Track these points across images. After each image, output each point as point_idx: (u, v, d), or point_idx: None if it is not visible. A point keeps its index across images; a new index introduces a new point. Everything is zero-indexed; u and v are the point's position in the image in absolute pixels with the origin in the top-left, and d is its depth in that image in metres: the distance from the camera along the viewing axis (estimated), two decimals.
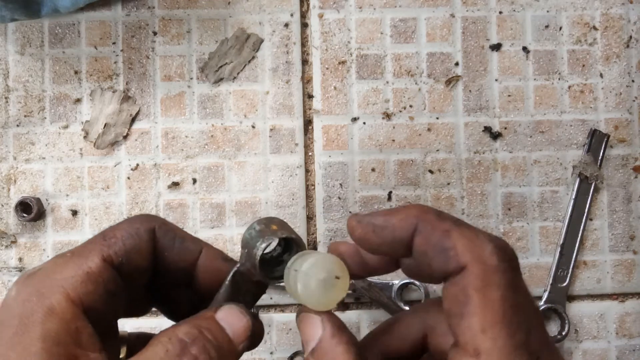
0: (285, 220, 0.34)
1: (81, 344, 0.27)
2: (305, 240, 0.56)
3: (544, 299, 0.56)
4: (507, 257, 0.25)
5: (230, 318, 0.30)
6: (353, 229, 0.30)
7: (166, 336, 0.29)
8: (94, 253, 0.30)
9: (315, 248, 0.56)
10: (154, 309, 0.37)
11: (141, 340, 0.34)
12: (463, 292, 0.24)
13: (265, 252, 0.32)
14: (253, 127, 0.56)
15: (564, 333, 0.55)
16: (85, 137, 0.56)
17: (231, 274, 0.33)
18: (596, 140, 0.57)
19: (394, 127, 0.57)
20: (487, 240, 0.25)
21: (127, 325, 0.45)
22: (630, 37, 0.58)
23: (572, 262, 0.56)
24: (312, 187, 0.57)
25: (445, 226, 0.26)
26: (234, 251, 0.55)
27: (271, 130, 0.56)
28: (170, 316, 0.36)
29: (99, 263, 0.30)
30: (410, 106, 0.57)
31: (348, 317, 0.56)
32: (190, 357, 0.28)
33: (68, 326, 0.27)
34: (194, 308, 0.33)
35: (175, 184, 0.56)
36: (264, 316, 0.55)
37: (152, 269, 0.33)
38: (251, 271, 0.32)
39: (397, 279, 0.55)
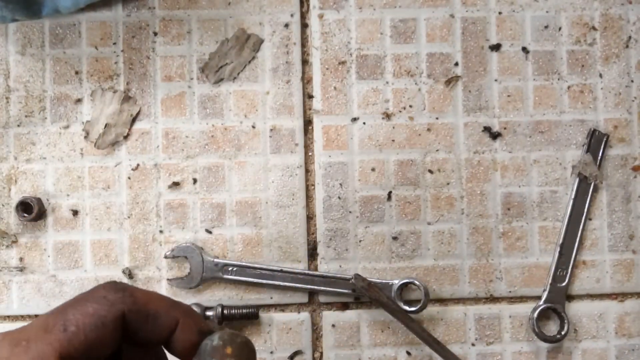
0: (250, 344, 0.32)
1: None
2: (305, 240, 0.56)
3: (543, 299, 0.56)
4: None
5: None
6: None
7: None
8: (51, 350, 0.28)
9: (315, 248, 0.56)
10: None
11: None
12: None
13: None
14: (253, 127, 0.57)
15: (563, 333, 0.55)
16: (86, 137, 0.56)
17: None
18: (595, 140, 0.57)
19: (393, 127, 0.57)
20: None
21: None
22: (630, 37, 0.58)
23: (572, 261, 0.56)
24: (312, 187, 0.57)
25: None
26: (234, 251, 0.56)
27: (271, 130, 0.57)
28: None
29: None
30: (410, 106, 0.57)
31: (348, 316, 0.56)
32: None
33: None
34: None
35: (175, 184, 0.56)
36: (264, 316, 0.55)
37: (117, 351, 0.31)
38: None
39: (396, 278, 0.55)
